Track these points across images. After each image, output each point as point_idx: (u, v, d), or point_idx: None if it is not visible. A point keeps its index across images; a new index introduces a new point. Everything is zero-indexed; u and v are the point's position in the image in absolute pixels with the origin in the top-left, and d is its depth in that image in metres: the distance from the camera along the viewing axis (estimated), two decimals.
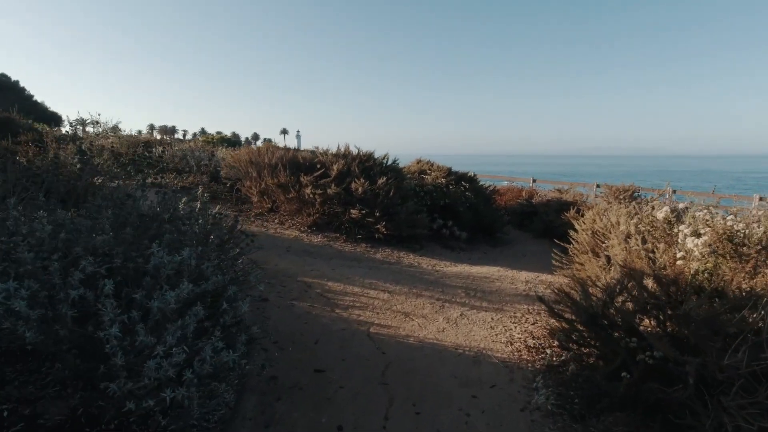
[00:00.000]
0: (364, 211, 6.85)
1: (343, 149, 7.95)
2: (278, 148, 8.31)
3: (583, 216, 8.27)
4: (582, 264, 5.72)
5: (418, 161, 9.78)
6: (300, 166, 7.65)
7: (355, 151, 7.77)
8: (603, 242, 5.59)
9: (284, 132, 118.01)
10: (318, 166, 7.49)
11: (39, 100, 52.61)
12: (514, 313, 4.62)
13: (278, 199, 7.61)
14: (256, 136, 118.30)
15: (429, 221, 7.67)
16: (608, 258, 5.62)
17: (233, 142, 34.98)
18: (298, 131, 41.74)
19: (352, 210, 6.89)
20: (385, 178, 7.11)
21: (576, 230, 6.18)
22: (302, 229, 7.23)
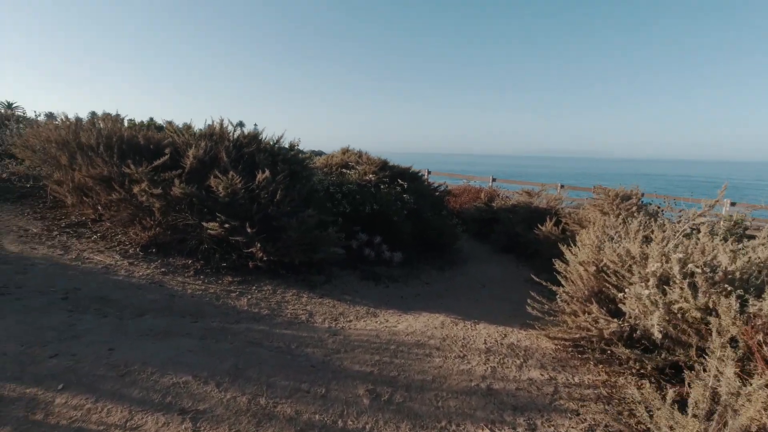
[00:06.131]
0: (228, 225, 4.19)
1: (216, 125, 5.22)
2: (116, 121, 5.45)
3: (564, 232, 5.98)
4: (579, 324, 3.36)
5: (344, 151, 7.20)
6: (140, 150, 4.86)
7: (230, 130, 5.06)
8: (617, 286, 3.26)
9: (240, 125, 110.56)
10: (166, 151, 4.73)
11: None
12: None
13: (102, 200, 4.78)
14: None
15: (345, 238, 5.14)
16: (620, 314, 3.30)
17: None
18: (255, 125, 37.13)
19: (207, 223, 4.21)
20: (269, 172, 4.47)
21: (566, 260, 3.84)
22: (131, 251, 4.44)
